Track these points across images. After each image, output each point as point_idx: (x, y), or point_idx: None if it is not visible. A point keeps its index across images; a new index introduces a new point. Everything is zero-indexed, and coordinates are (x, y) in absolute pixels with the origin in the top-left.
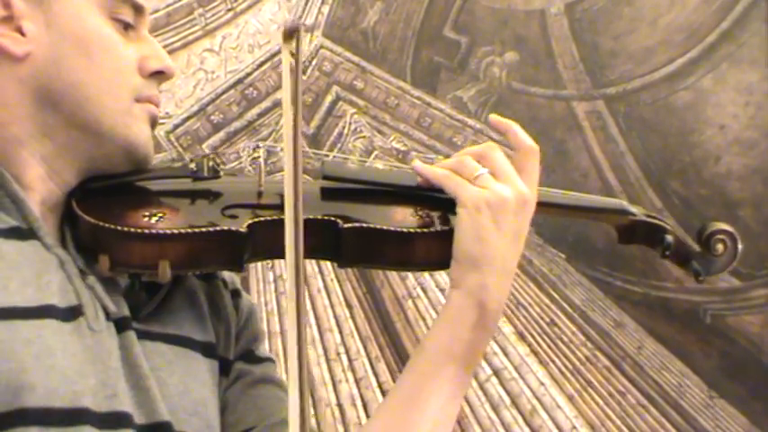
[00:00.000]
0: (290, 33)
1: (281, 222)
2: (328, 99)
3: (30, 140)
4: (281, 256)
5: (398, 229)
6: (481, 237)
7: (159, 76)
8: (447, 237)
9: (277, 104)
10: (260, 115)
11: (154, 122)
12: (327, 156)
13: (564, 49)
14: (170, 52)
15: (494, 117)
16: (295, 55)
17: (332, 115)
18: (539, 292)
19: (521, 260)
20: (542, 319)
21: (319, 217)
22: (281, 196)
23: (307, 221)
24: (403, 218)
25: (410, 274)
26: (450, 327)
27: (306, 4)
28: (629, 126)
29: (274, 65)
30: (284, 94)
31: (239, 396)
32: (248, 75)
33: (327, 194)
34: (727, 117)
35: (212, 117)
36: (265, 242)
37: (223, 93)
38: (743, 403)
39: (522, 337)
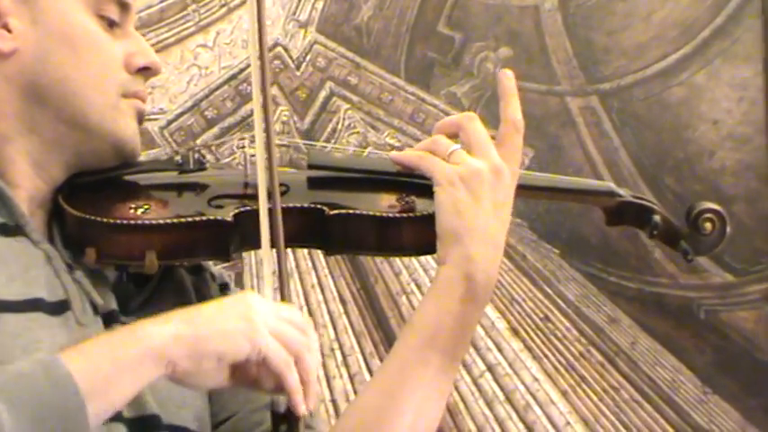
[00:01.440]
0: None
1: (267, 211)
2: (322, 95)
3: (16, 137)
4: None
5: (383, 215)
6: (459, 210)
7: (145, 72)
8: (432, 220)
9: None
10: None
11: (141, 118)
12: (325, 146)
13: (558, 44)
14: (163, 48)
15: (506, 73)
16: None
17: (326, 111)
18: (532, 288)
19: (514, 255)
20: (536, 314)
21: (305, 205)
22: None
23: (293, 209)
24: (388, 204)
25: (404, 270)
26: (437, 300)
27: None
28: (622, 122)
29: (269, 61)
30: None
31: None
32: (242, 70)
33: (313, 183)
34: (721, 113)
35: (206, 113)
36: (252, 231)
37: (217, 88)
38: (736, 399)
39: (515, 332)
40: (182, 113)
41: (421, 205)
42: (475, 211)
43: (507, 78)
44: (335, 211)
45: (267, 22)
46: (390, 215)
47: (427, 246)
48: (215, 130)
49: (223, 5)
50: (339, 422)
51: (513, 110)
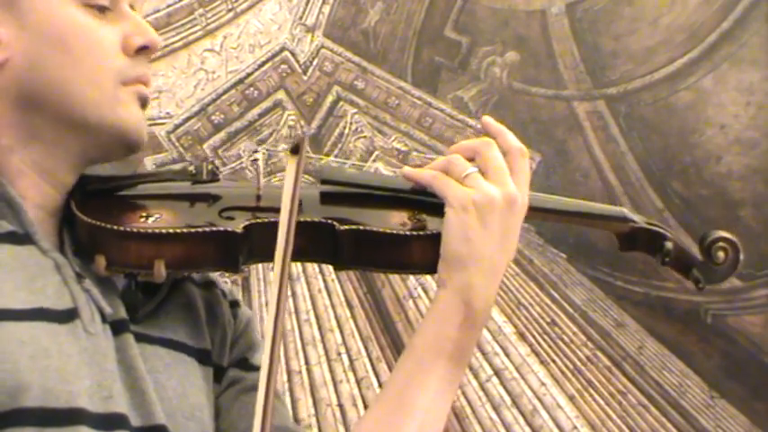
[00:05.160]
0: (295, 150)
1: (277, 224)
2: (329, 99)
3: (18, 147)
4: None
5: (393, 232)
6: (468, 236)
7: (145, 51)
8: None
9: (277, 105)
10: (261, 115)
11: (144, 102)
12: (337, 160)
13: (565, 49)
14: (170, 52)
15: (486, 119)
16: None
17: (333, 115)
18: (539, 292)
19: (521, 260)
20: (543, 319)
21: (317, 220)
22: (279, 200)
23: (305, 224)
24: (399, 221)
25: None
26: (436, 325)
27: (307, 3)
28: (629, 126)
29: (275, 65)
30: (284, 197)
31: (231, 402)
32: (249, 75)
33: (326, 198)
34: (728, 117)
35: (213, 117)
36: (262, 244)
37: (224, 93)
38: (744, 403)
39: (522, 337)
40: (188, 118)
41: (432, 224)
42: (483, 239)
43: (488, 123)
44: (346, 227)
45: (274, 26)
46: (401, 233)
47: (437, 264)
48: (222, 134)
49: (230, 10)
50: None
51: (511, 139)
